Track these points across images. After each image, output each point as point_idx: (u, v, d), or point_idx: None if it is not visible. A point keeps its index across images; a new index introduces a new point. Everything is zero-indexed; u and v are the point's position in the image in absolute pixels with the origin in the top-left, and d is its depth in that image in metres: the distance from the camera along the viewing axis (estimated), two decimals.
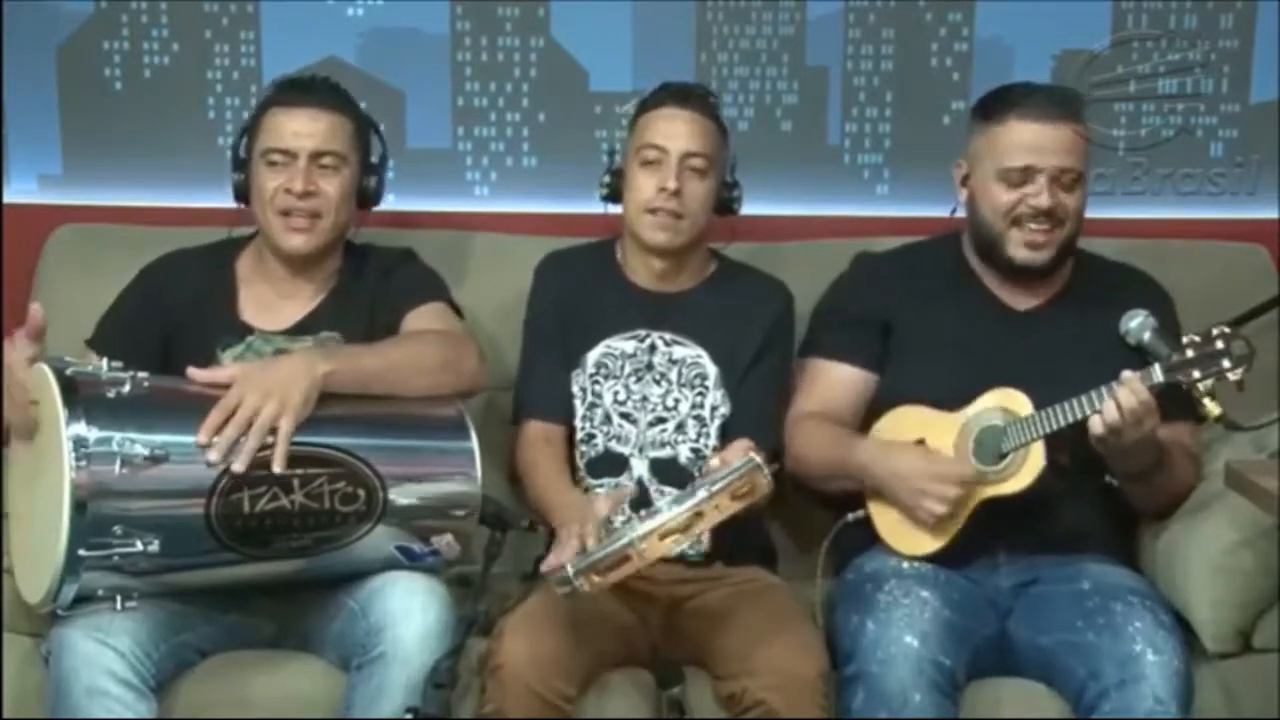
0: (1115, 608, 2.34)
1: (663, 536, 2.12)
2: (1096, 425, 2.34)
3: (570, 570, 2.15)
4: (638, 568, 2.14)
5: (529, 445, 2.60)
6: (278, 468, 2.21)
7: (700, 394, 2.60)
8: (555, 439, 2.61)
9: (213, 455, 2.19)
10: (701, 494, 2.14)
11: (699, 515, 2.13)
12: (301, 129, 2.53)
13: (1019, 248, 2.54)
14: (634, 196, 2.57)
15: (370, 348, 2.47)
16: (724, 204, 2.64)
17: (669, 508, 2.14)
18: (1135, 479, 2.47)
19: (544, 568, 2.26)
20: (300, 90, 2.58)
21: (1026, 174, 2.50)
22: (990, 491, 2.44)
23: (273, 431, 2.21)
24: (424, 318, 2.57)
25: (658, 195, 2.54)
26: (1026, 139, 2.50)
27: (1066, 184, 2.51)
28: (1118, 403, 2.32)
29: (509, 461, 2.67)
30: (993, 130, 2.54)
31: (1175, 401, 2.41)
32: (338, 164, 2.56)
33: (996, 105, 2.55)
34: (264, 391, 2.23)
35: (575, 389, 2.62)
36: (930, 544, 2.48)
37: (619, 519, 2.55)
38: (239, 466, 2.19)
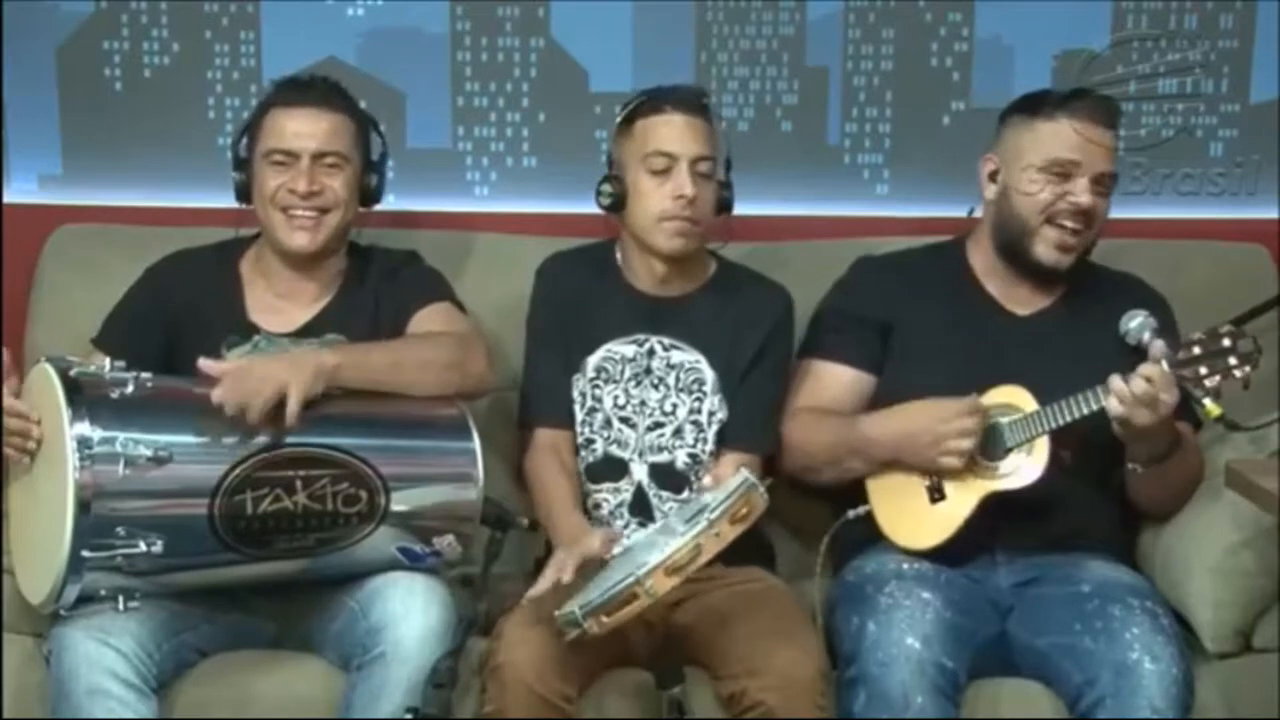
0: (1114, 611, 2.34)
1: (669, 573, 2.13)
2: (1115, 406, 2.34)
3: (579, 613, 2.16)
4: (646, 605, 2.15)
5: (536, 455, 2.58)
6: (290, 419, 2.24)
7: (698, 399, 2.60)
8: (563, 447, 2.60)
9: (217, 394, 2.22)
10: (702, 523, 2.14)
11: (701, 546, 2.14)
12: (303, 129, 2.53)
13: (1049, 248, 2.55)
14: (646, 206, 2.54)
15: (379, 346, 2.48)
16: (722, 203, 2.63)
17: (670, 541, 2.15)
18: (1153, 462, 2.45)
19: (526, 599, 2.28)
20: (301, 90, 2.58)
21: (1073, 169, 2.52)
22: (995, 487, 2.45)
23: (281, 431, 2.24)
24: (431, 318, 2.57)
25: (675, 203, 2.51)
26: (1079, 137, 2.53)
27: (1103, 189, 2.55)
28: (1146, 374, 2.32)
29: (513, 463, 2.68)
30: (1041, 125, 2.55)
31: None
32: (340, 163, 2.56)
33: (1046, 103, 2.58)
34: (274, 367, 2.27)
35: (575, 393, 2.61)
36: (931, 537, 2.48)
37: (619, 525, 2.57)
38: (253, 416, 2.22)
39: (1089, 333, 2.57)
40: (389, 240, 2.77)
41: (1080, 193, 2.52)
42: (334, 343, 2.54)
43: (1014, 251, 2.59)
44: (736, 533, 2.17)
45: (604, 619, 2.15)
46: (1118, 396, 2.34)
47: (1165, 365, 2.35)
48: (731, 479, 2.25)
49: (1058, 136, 2.53)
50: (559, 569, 2.27)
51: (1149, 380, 2.32)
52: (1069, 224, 2.53)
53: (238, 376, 2.26)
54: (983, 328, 2.61)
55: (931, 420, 2.46)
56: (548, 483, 2.53)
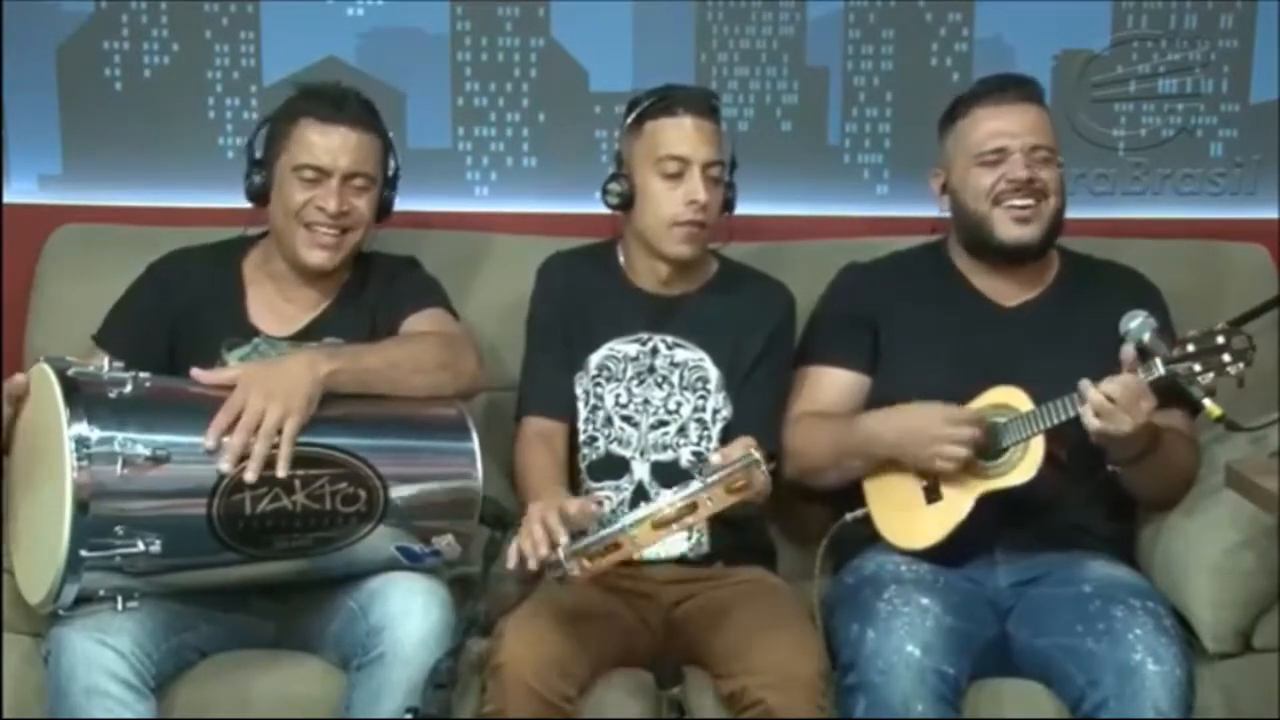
0: (1116, 613, 2.33)
1: (656, 526, 2.12)
2: (1088, 413, 2.35)
3: (561, 554, 2.14)
4: (629, 555, 2.14)
5: (525, 442, 2.59)
6: (281, 471, 2.21)
7: (702, 397, 2.60)
8: (552, 436, 2.59)
9: (224, 465, 2.19)
10: (696, 485, 2.14)
11: (693, 506, 2.13)
12: (336, 147, 2.52)
13: (1007, 226, 2.58)
14: (657, 210, 2.54)
15: (371, 347, 2.47)
16: (725, 203, 2.62)
17: (663, 498, 2.15)
18: (1131, 463, 2.46)
19: (510, 563, 2.21)
20: (336, 106, 2.54)
21: (1000, 154, 2.57)
22: (991, 485, 2.45)
23: (278, 433, 2.22)
24: (422, 322, 2.57)
25: (687, 208, 2.51)
26: (995, 125, 2.58)
27: (1040, 159, 2.57)
28: (1108, 393, 2.33)
29: (511, 462, 2.68)
30: (961, 127, 2.62)
31: (1171, 394, 2.41)
32: (368, 185, 2.56)
33: (960, 105, 2.65)
34: (268, 393, 2.23)
35: (578, 391, 2.61)
36: (928, 537, 2.48)
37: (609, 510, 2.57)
38: (251, 476, 2.19)
39: (1079, 323, 2.59)
40: (389, 240, 2.76)
41: (1015, 168, 2.55)
42: (331, 345, 2.54)
43: (983, 245, 2.62)
44: (730, 502, 2.15)
45: (585, 563, 2.14)
46: (1091, 405, 2.35)
47: (1160, 364, 2.35)
48: (736, 451, 2.24)
49: (977, 128, 2.59)
50: (540, 519, 2.18)
51: (1110, 397, 2.33)
52: (1016, 201, 2.56)
53: (248, 383, 2.24)
54: (972, 322, 2.63)
55: (934, 419, 2.46)
56: (532, 463, 2.53)
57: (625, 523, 2.13)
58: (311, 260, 2.55)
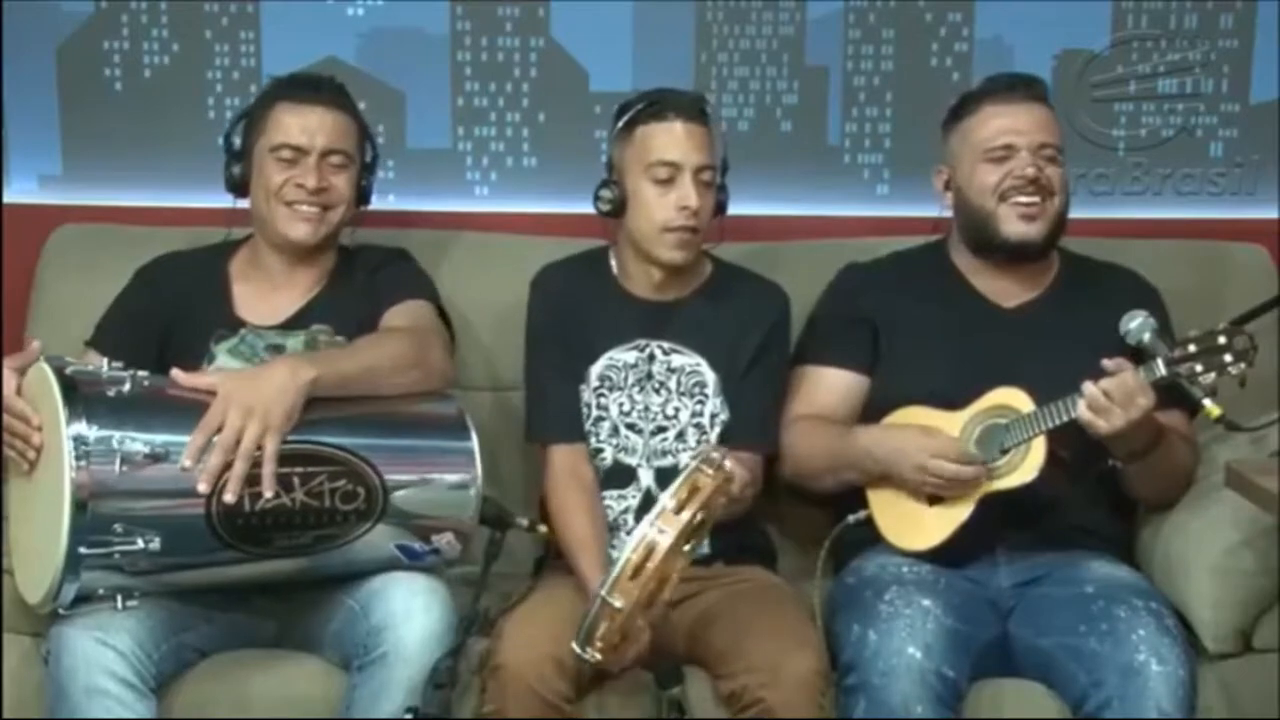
0: (1119, 613, 2.33)
1: (632, 577, 2.10)
2: (1081, 407, 2.36)
3: (576, 648, 2.14)
4: (624, 616, 2.11)
5: (557, 480, 2.54)
6: (268, 492, 2.19)
7: (700, 402, 2.59)
8: (580, 466, 2.55)
9: (202, 486, 2.16)
10: (646, 520, 2.11)
11: (654, 543, 2.10)
12: (313, 125, 2.54)
13: (1012, 223, 2.58)
14: (649, 214, 2.52)
15: (346, 352, 2.45)
16: (717, 206, 2.61)
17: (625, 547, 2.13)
18: (1133, 459, 2.46)
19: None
20: (310, 88, 2.59)
21: (1008, 151, 2.57)
22: (992, 486, 2.45)
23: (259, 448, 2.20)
24: (399, 316, 2.56)
25: (679, 214, 2.50)
26: (1003, 122, 2.59)
27: (1047, 158, 2.58)
28: (1104, 388, 2.34)
29: (512, 462, 2.69)
30: (968, 123, 2.62)
31: (1171, 394, 2.42)
32: (346, 163, 2.58)
33: (967, 101, 2.65)
34: (246, 409, 2.20)
35: (580, 403, 2.60)
36: (930, 538, 2.48)
37: (623, 533, 2.56)
38: (230, 496, 2.17)
39: (1078, 324, 2.59)
40: (388, 240, 2.77)
41: (1022, 165, 2.56)
42: (319, 333, 2.55)
43: (987, 243, 2.62)
44: (688, 515, 2.11)
45: (596, 646, 2.13)
46: (1086, 399, 2.36)
47: (1161, 364, 2.36)
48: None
49: (985, 125, 2.60)
50: None
51: (1106, 393, 2.34)
52: (1021, 198, 2.57)
53: (226, 397, 2.21)
54: (971, 322, 2.63)
55: (922, 447, 2.46)
56: (568, 518, 2.48)
57: (602, 593, 2.10)
58: (295, 235, 2.55)
